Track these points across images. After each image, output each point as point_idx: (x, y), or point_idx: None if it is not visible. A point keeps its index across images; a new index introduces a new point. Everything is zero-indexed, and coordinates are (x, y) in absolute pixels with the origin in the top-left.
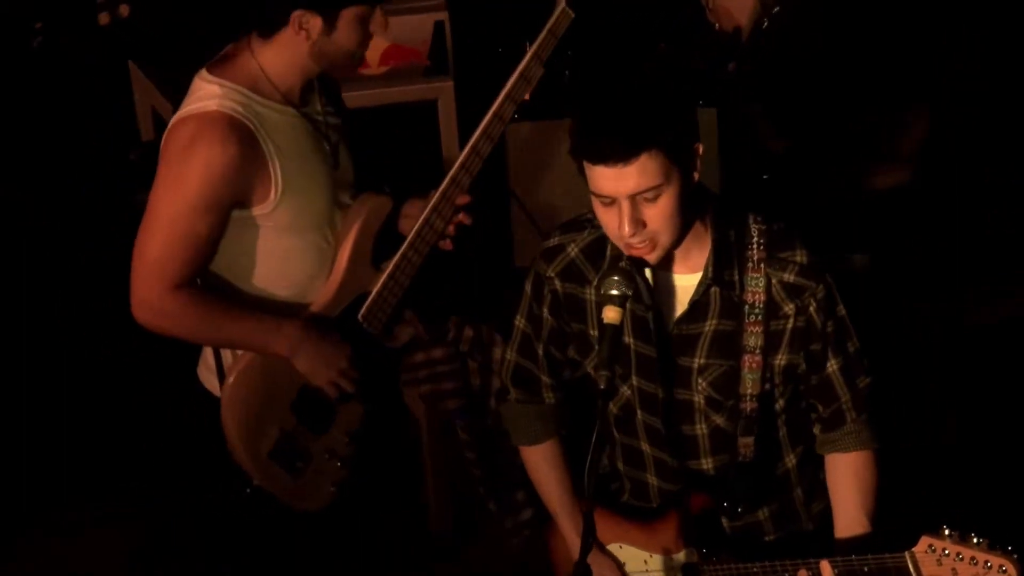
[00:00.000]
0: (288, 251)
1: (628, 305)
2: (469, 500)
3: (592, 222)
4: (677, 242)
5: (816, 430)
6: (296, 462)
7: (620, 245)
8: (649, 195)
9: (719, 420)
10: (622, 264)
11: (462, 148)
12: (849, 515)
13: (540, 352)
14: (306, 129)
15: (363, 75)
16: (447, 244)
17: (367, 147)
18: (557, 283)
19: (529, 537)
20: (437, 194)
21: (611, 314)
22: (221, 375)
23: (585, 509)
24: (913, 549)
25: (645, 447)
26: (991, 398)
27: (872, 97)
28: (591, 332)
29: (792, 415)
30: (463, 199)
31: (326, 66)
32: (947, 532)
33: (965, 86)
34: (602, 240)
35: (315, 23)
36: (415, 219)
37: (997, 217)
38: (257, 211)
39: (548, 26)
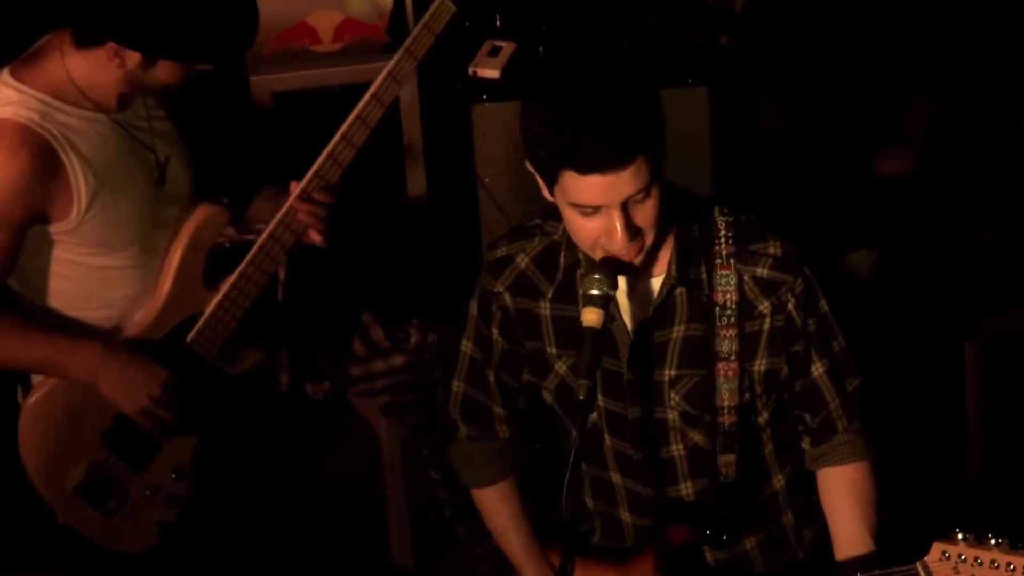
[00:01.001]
0: (101, 270)
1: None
2: (435, 524)
3: (542, 228)
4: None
5: (805, 444)
6: (108, 500)
7: (594, 254)
8: (639, 196)
9: (697, 438)
10: (581, 271)
11: (426, 135)
12: (849, 534)
13: (492, 379)
14: (122, 139)
15: (313, 52)
16: (316, 238)
17: (225, 148)
18: (507, 298)
19: (501, 565)
20: (286, 206)
21: (591, 316)
22: None
23: (565, 543)
24: (925, 559)
25: (616, 477)
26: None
27: (873, 91)
28: (548, 350)
29: (777, 430)
30: (321, 200)
31: (138, 92)
32: (961, 536)
33: (966, 81)
34: (554, 248)
35: (133, 56)
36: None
37: (997, 216)
38: (58, 228)
39: (424, 21)
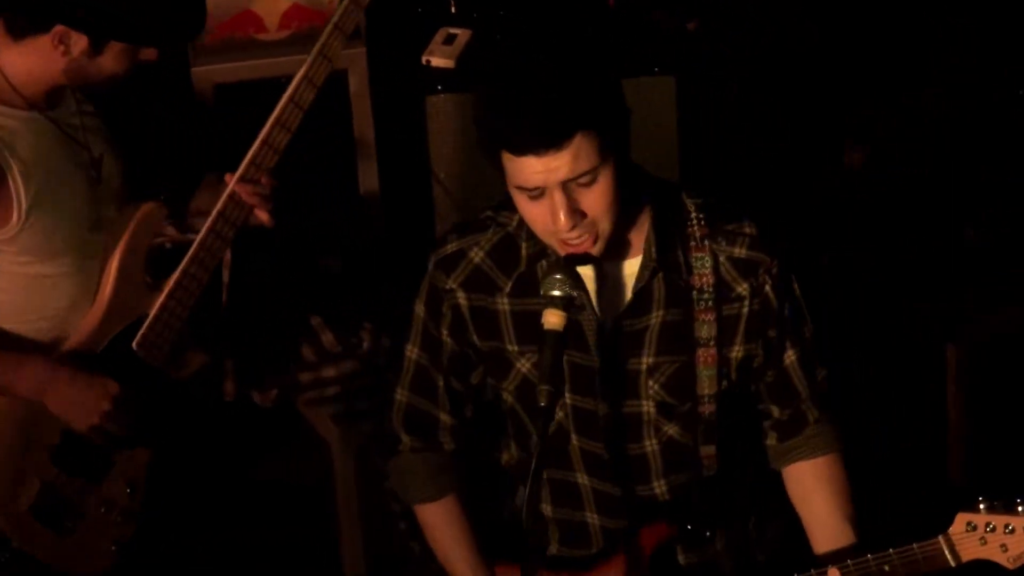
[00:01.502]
0: (39, 279)
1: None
2: (389, 538)
3: (496, 219)
4: (617, 228)
5: (772, 440)
6: (64, 519)
7: (553, 243)
8: (584, 180)
9: (672, 430)
10: (543, 264)
11: (378, 127)
12: (829, 527)
13: (440, 384)
14: (57, 137)
15: (258, 41)
16: (263, 216)
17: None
18: (460, 296)
19: None
20: (222, 198)
21: (552, 319)
22: None
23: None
24: (949, 531)
25: (582, 479)
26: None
27: (867, 90)
28: (508, 347)
29: (745, 424)
30: (262, 184)
31: (79, 84)
32: (984, 506)
33: (960, 79)
34: (510, 240)
35: (80, 42)
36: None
37: (992, 215)
38: None
39: (333, 21)
